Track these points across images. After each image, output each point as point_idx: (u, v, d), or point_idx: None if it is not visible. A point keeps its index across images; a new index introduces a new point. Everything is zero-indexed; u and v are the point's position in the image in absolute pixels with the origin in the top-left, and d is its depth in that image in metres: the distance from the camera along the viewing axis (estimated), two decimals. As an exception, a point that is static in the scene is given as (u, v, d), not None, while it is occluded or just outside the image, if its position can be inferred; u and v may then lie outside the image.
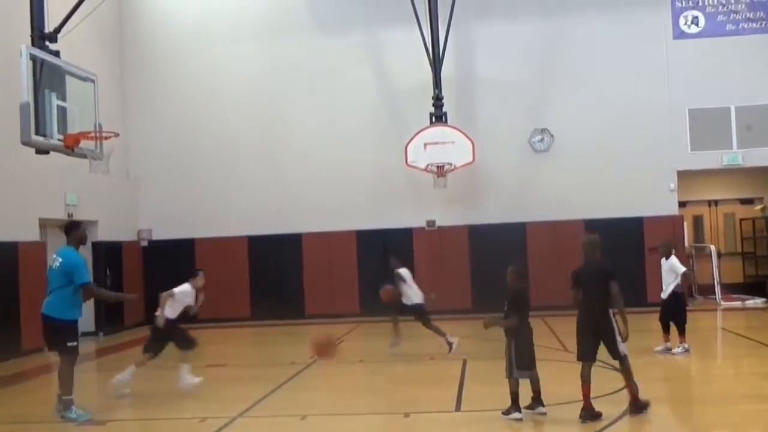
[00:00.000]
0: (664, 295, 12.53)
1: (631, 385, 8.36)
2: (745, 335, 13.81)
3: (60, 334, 9.37)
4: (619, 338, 8.23)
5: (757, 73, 19.43)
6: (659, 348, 12.38)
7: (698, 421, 8.67)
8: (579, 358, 8.34)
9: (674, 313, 12.43)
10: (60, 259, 9.40)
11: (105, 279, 18.56)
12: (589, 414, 8.11)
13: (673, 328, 12.37)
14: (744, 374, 11.29)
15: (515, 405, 8.37)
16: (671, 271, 12.44)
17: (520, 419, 8.29)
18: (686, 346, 12.24)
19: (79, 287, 9.33)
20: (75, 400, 9.34)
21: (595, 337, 8.27)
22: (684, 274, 12.40)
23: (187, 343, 10.81)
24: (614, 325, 8.25)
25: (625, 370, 8.36)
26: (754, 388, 10.00)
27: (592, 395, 8.21)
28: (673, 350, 12.25)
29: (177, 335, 10.79)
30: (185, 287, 10.84)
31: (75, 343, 9.46)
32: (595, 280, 8.28)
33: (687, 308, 12.65)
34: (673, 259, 12.52)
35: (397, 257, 13.74)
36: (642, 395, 8.43)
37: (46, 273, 9.65)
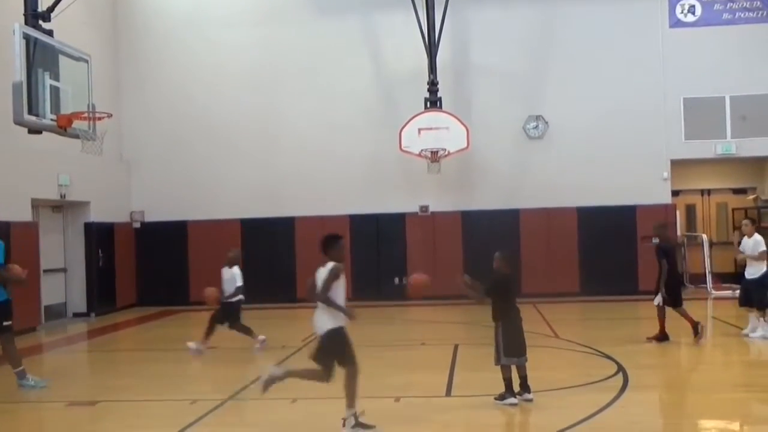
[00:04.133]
0: None
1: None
2: (735, 324, 13.86)
3: None
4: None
5: (753, 62, 19.37)
6: None
7: (687, 409, 8.70)
8: (677, 305, 12.18)
9: None
10: None
11: (97, 260, 18.63)
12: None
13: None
14: (733, 363, 11.35)
15: (509, 390, 8.36)
16: None
17: (516, 404, 8.29)
18: None
19: None
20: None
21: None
22: None
23: None
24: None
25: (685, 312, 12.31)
26: (743, 376, 10.05)
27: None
28: None
29: None
30: None
31: (9, 323, 9.70)
32: (669, 252, 12.31)
33: None
34: None
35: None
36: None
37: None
